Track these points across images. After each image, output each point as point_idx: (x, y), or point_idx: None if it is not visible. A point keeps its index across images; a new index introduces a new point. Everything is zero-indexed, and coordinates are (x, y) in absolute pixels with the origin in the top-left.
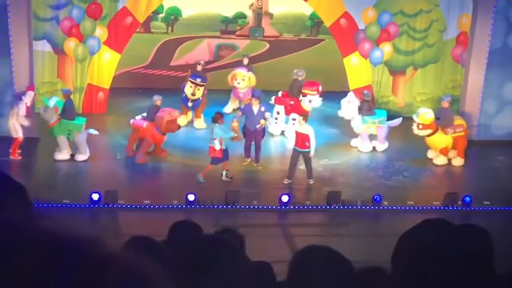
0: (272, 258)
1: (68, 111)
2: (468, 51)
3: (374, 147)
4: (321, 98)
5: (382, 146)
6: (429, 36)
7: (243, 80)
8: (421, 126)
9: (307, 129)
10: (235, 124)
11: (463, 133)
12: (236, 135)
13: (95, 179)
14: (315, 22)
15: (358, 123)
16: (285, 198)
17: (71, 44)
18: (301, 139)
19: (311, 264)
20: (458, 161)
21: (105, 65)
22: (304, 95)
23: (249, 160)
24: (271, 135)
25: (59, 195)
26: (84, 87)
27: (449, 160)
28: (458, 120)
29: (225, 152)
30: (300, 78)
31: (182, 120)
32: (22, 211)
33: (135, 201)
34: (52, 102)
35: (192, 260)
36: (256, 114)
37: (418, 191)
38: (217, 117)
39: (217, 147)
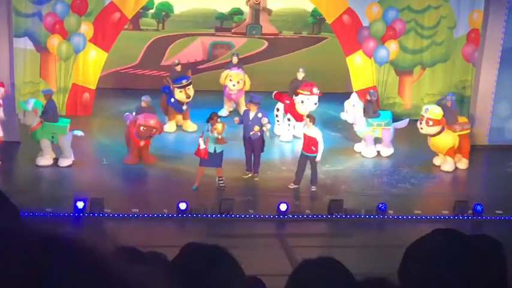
0: (269, 271)
1: (50, 113)
2: (480, 49)
3: (379, 152)
4: (316, 101)
5: (387, 150)
6: (438, 33)
7: (238, 82)
8: (431, 123)
9: (315, 132)
10: (218, 125)
11: (469, 130)
12: (219, 137)
13: (80, 185)
14: (317, 19)
15: (362, 126)
16: (283, 207)
17: (54, 42)
18: (308, 143)
19: (313, 278)
20: (463, 164)
21: (90, 64)
22: (297, 95)
23: (250, 174)
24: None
25: (41, 202)
26: (68, 87)
27: (454, 163)
28: (461, 118)
29: (216, 157)
30: (299, 78)
31: (171, 127)
32: (8, 217)
33: (123, 210)
34: (30, 105)
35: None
36: (251, 121)
37: (426, 199)
38: (210, 117)
39: (202, 146)
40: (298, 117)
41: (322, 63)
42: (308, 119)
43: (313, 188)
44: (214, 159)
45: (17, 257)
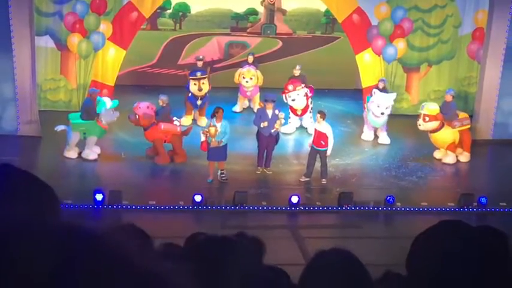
0: (282, 261)
1: (85, 111)
2: (484, 47)
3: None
4: (302, 93)
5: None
6: (444, 32)
7: (251, 79)
8: (427, 119)
9: (326, 128)
10: (211, 128)
11: (469, 126)
12: (213, 140)
13: (99, 178)
14: (330, 19)
15: (386, 116)
16: (294, 199)
17: (74, 40)
18: (318, 137)
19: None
20: (465, 157)
21: (109, 62)
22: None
23: (261, 169)
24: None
25: (62, 194)
26: (87, 84)
27: (456, 157)
28: (461, 114)
29: (218, 151)
30: (296, 74)
31: (186, 121)
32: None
33: (140, 202)
34: (108, 103)
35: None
36: (270, 119)
37: (432, 192)
38: (214, 112)
39: (202, 138)
40: (295, 112)
41: (334, 61)
42: (319, 115)
43: (324, 181)
44: (217, 153)
45: (39, 247)
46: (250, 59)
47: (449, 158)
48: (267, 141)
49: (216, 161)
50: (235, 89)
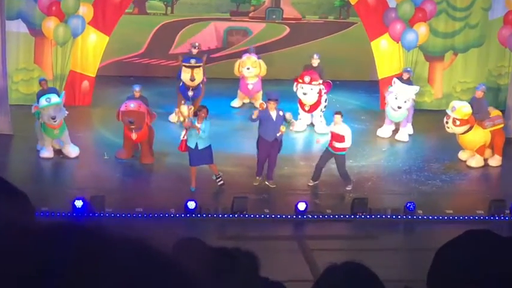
0: (286, 276)
1: None
2: None
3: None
4: (310, 91)
5: (410, 127)
6: (472, 15)
7: (253, 67)
8: (458, 122)
9: (344, 129)
10: (183, 107)
11: (502, 125)
12: (183, 138)
13: (79, 182)
14: (345, 1)
15: (404, 110)
16: (301, 206)
17: (50, 24)
18: (335, 140)
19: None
20: (496, 160)
21: (90, 49)
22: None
23: (259, 179)
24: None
25: (36, 201)
26: (65, 75)
27: (485, 160)
28: (494, 112)
29: (201, 153)
30: (314, 64)
31: (177, 116)
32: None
33: (126, 209)
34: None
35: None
36: (275, 121)
37: (459, 198)
38: (197, 110)
39: (181, 136)
40: (303, 107)
41: (349, 50)
42: (339, 116)
43: (349, 187)
44: (200, 156)
45: (25, 245)
46: (251, 51)
47: (475, 161)
48: (270, 148)
49: (203, 165)
50: (234, 81)
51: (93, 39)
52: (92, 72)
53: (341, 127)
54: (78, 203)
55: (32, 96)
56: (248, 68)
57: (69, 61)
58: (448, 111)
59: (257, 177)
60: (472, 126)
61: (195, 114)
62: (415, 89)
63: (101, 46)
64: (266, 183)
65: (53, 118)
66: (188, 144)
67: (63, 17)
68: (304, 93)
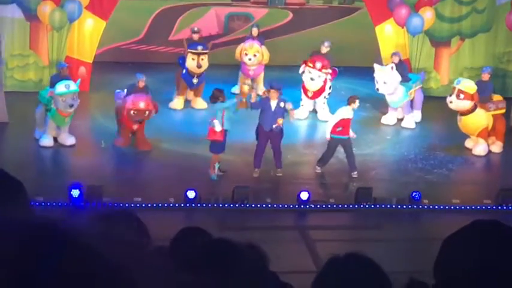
0: (289, 267)
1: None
2: None
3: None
4: (318, 78)
5: (418, 114)
6: None
7: (255, 56)
8: (462, 96)
9: (350, 112)
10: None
11: (504, 110)
12: (213, 126)
13: (75, 171)
14: None
15: (401, 94)
16: (304, 196)
17: (45, 9)
18: (338, 124)
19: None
20: (497, 147)
21: (87, 34)
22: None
23: (258, 170)
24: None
25: (32, 190)
26: (61, 60)
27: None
28: (496, 96)
29: (221, 142)
30: (323, 51)
31: (179, 103)
32: (19, 207)
33: (124, 198)
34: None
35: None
36: (273, 111)
37: (466, 187)
38: (217, 95)
39: (218, 128)
40: (306, 93)
41: (354, 36)
42: (357, 101)
43: (355, 175)
44: (220, 145)
45: (15, 244)
46: (255, 31)
47: (480, 148)
48: (267, 137)
49: (221, 153)
50: (235, 67)
51: (90, 24)
52: (89, 58)
53: (346, 110)
54: (75, 193)
55: (27, 83)
56: (250, 59)
57: (65, 47)
58: (454, 84)
59: (256, 169)
60: (475, 105)
61: (214, 100)
62: (388, 68)
63: (98, 31)
64: (276, 174)
65: (71, 106)
66: (225, 127)
67: (59, 1)
68: (312, 79)
